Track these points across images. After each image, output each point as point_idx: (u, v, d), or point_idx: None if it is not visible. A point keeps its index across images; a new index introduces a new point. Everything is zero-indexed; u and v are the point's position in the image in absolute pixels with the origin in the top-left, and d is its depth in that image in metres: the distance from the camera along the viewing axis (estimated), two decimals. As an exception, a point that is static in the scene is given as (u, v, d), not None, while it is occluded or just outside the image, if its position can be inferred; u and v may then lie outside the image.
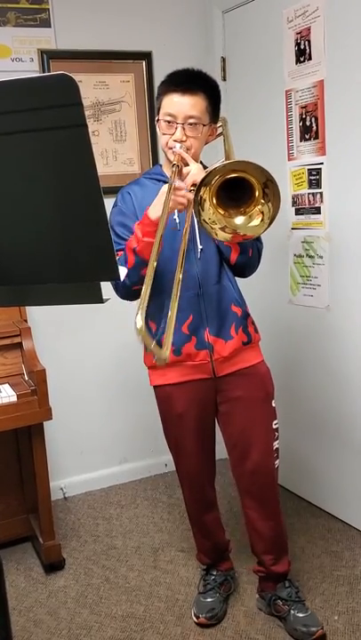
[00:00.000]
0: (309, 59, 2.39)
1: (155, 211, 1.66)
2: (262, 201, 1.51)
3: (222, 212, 1.55)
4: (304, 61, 2.41)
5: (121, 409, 3.06)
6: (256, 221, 1.55)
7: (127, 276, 1.75)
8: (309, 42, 2.37)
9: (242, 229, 1.56)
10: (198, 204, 1.52)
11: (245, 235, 1.56)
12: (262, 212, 1.53)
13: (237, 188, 1.52)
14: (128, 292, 1.79)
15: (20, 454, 2.54)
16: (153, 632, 2.05)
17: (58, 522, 2.73)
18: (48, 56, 2.67)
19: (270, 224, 1.54)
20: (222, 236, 1.57)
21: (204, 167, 1.81)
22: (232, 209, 1.55)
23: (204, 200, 1.52)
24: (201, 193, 1.51)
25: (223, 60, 2.92)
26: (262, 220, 1.54)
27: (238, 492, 2.05)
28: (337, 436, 2.57)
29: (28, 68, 2.66)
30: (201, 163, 1.84)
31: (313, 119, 2.42)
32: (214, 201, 1.54)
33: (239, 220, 1.55)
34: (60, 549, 2.43)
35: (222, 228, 1.56)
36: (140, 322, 1.13)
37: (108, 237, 0.98)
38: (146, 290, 1.24)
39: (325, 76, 2.33)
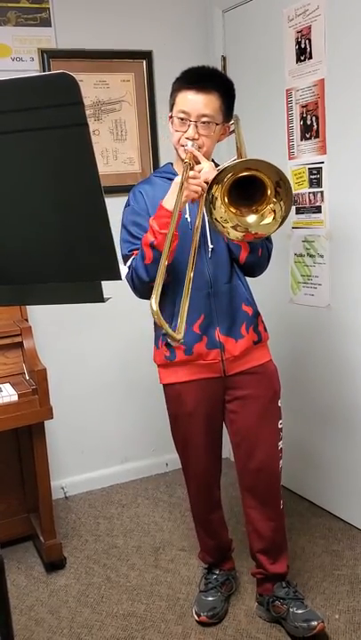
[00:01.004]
0: (310, 57, 2.39)
1: (170, 201, 1.65)
2: (274, 200, 1.51)
3: (234, 211, 1.55)
4: (305, 60, 2.41)
5: (122, 408, 3.06)
6: (268, 220, 1.54)
7: (145, 272, 1.74)
8: (310, 41, 2.37)
9: (254, 228, 1.55)
10: (210, 202, 1.52)
11: (257, 233, 1.56)
12: (274, 211, 1.53)
13: (249, 186, 1.51)
14: (146, 288, 1.77)
15: (20, 454, 2.54)
16: (154, 631, 2.05)
17: (59, 521, 2.73)
18: (48, 55, 2.67)
19: (282, 223, 1.54)
20: (234, 234, 1.57)
21: (216, 165, 1.81)
22: (244, 207, 1.55)
23: (216, 198, 1.52)
24: (213, 191, 1.51)
25: (223, 59, 2.92)
26: (274, 218, 1.54)
27: (240, 490, 2.05)
28: (338, 435, 2.57)
29: (29, 68, 2.66)
30: (213, 161, 1.84)
31: (313, 118, 2.42)
32: (226, 199, 1.53)
33: (251, 218, 1.55)
34: (61, 548, 2.43)
35: (234, 227, 1.56)
36: (155, 305, 1.22)
37: (110, 237, 0.98)
38: (160, 274, 1.30)
39: (326, 74, 2.33)
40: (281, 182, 1.48)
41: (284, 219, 1.53)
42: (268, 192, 1.50)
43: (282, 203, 1.51)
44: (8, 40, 2.61)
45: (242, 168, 1.49)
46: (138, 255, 1.77)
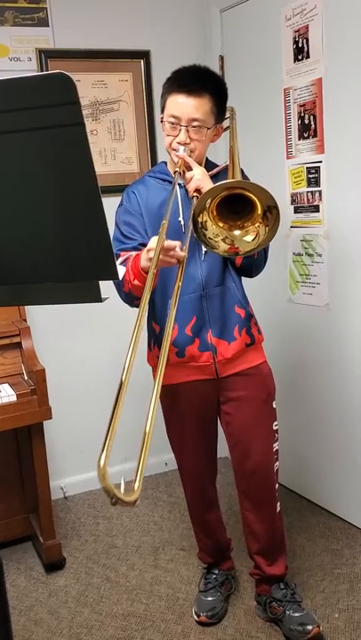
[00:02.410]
0: (308, 57, 2.39)
1: (145, 259, 1.59)
2: (260, 221, 1.51)
3: (222, 225, 1.55)
4: (302, 59, 2.41)
5: (121, 408, 3.05)
6: (250, 237, 1.55)
7: (125, 296, 1.74)
8: (307, 40, 2.37)
9: (237, 242, 1.57)
10: (201, 227, 1.53)
11: (238, 248, 1.56)
12: (258, 232, 1.53)
13: (240, 200, 1.51)
14: (127, 303, 1.78)
15: (20, 454, 2.54)
16: (154, 631, 2.05)
17: (58, 521, 2.73)
18: (46, 55, 2.66)
19: (260, 247, 1.55)
20: (223, 247, 1.57)
21: (210, 167, 1.80)
22: (232, 221, 1.56)
23: (206, 222, 1.53)
24: (200, 219, 1.51)
25: (221, 58, 2.92)
26: (255, 238, 1.54)
27: (237, 492, 2.05)
28: (337, 433, 2.57)
29: (26, 68, 2.66)
30: (206, 160, 1.83)
31: (311, 117, 2.42)
32: (215, 217, 1.54)
33: (237, 232, 1.56)
34: (61, 549, 2.43)
35: (223, 240, 1.57)
36: (102, 461, 0.97)
37: (107, 236, 0.98)
38: (114, 422, 1.06)
39: (324, 74, 2.33)
40: (273, 210, 1.47)
41: (262, 244, 1.54)
42: (257, 211, 1.50)
43: (267, 228, 1.51)
44: (6, 40, 2.61)
45: (222, 190, 1.49)
46: (125, 261, 1.74)
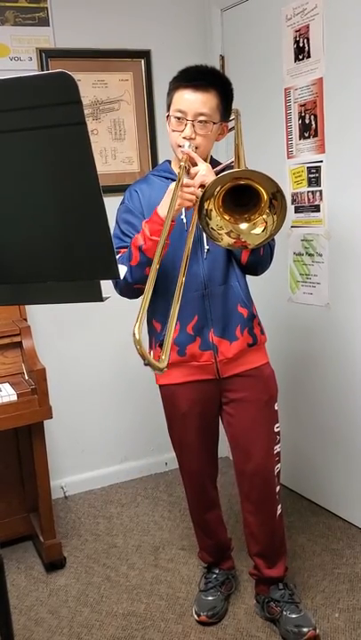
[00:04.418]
0: (308, 56, 2.39)
1: (164, 208, 1.63)
2: (268, 211, 1.51)
3: (228, 218, 1.55)
4: (303, 59, 2.41)
5: (121, 408, 3.06)
6: (258, 230, 1.54)
7: (130, 273, 1.73)
8: (308, 40, 2.37)
9: (244, 235, 1.55)
10: (205, 215, 1.52)
11: (246, 242, 1.55)
12: (266, 222, 1.52)
13: (245, 193, 1.51)
14: (129, 289, 1.77)
15: (20, 453, 2.54)
16: (154, 630, 2.05)
17: (58, 520, 2.73)
18: (47, 55, 2.67)
19: (270, 237, 1.54)
20: (227, 240, 1.56)
21: (215, 164, 1.80)
22: (238, 214, 1.55)
23: (211, 210, 1.52)
24: (206, 205, 1.51)
25: (222, 58, 2.92)
26: (265, 229, 1.53)
27: (239, 494, 2.04)
28: (337, 433, 2.57)
29: (27, 67, 2.66)
30: (211, 158, 1.83)
31: (312, 117, 2.42)
32: (220, 209, 1.53)
33: (243, 225, 1.55)
34: (61, 548, 2.43)
35: (228, 233, 1.56)
36: (137, 333, 1.13)
37: (108, 236, 0.98)
38: (145, 300, 1.22)
39: (324, 73, 2.33)
40: (277, 195, 1.47)
41: (273, 233, 1.53)
42: (263, 202, 1.50)
43: (275, 216, 1.50)
44: (6, 40, 2.61)
45: (232, 178, 1.49)
46: (125, 255, 1.75)
